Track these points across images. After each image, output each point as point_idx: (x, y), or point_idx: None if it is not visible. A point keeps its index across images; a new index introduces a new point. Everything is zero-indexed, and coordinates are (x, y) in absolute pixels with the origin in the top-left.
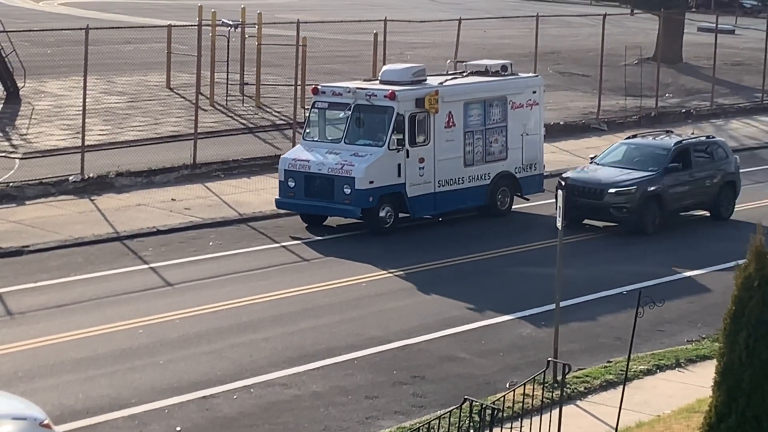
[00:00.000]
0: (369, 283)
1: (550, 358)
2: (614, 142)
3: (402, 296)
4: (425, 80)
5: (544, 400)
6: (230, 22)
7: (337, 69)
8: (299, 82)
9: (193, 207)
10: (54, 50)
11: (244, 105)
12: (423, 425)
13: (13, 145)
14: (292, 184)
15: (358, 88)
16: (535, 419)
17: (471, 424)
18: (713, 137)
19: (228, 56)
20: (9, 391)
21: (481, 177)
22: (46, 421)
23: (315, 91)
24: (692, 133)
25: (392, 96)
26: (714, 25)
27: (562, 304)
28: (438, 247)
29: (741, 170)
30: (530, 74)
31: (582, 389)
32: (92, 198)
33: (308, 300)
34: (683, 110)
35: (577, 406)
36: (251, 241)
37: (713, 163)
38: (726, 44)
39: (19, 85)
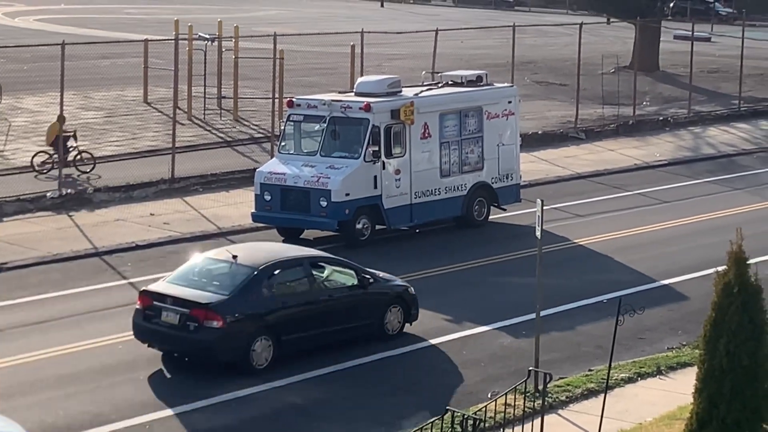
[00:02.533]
0: None
1: (531, 368)
2: (593, 151)
3: None
4: (400, 91)
5: (526, 409)
6: (207, 36)
7: (315, 81)
8: (277, 95)
9: (172, 221)
10: (30, 66)
11: (222, 118)
12: None
13: None
14: (268, 197)
15: (333, 101)
16: (517, 429)
17: None
18: None
19: (205, 70)
20: None
21: (458, 188)
22: None
23: (290, 104)
24: None
25: (367, 108)
26: (690, 32)
27: (543, 313)
28: (415, 259)
29: (718, 177)
30: (505, 84)
31: (563, 398)
32: (70, 214)
33: None
34: (661, 118)
35: (559, 415)
36: None
37: None
38: (702, 52)
39: None
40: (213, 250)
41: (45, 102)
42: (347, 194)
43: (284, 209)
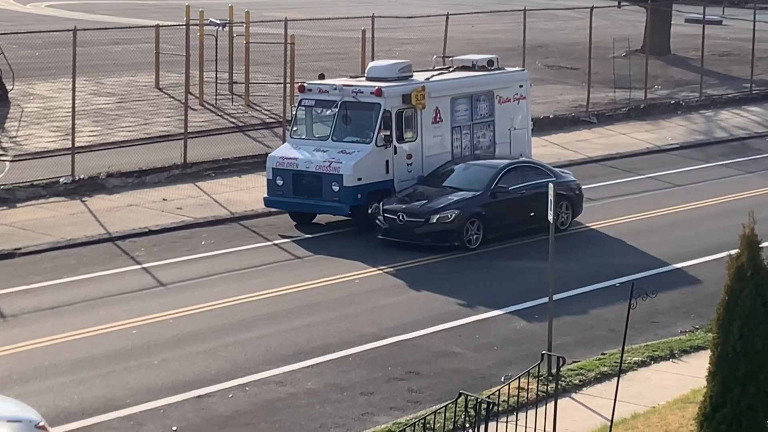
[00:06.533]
0: (361, 280)
1: (544, 352)
2: (605, 135)
3: (394, 292)
4: (412, 76)
5: (539, 393)
6: (218, 21)
7: (326, 66)
8: (288, 80)
9: (185, 206)
10: (42, 52)
11: (234, 104)
12: (418, 420)
13: (2, 148)
14: (280, 182)
15: (344, 85)
16: (531, 412)
17: (466, 418)
18: None
19: (216, 55)
20: (4, 394)
21: None
22: (41, 423)
23: (301, 89)
24: None
25: (379, 92)
26: (701, 15)
27: (556, 297)
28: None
29: (730, 160)
30: (516, 68)
31: (577, 382)
32: (83, 199)
33: (301, 298)
34: (672, 102)
35: (572, 398)
36: (243, 240)
37: None
38: (714, 35)
39: (8, 87)
40: None
41: (57, 88)
42: (359, 179)
43: (296, 194)
